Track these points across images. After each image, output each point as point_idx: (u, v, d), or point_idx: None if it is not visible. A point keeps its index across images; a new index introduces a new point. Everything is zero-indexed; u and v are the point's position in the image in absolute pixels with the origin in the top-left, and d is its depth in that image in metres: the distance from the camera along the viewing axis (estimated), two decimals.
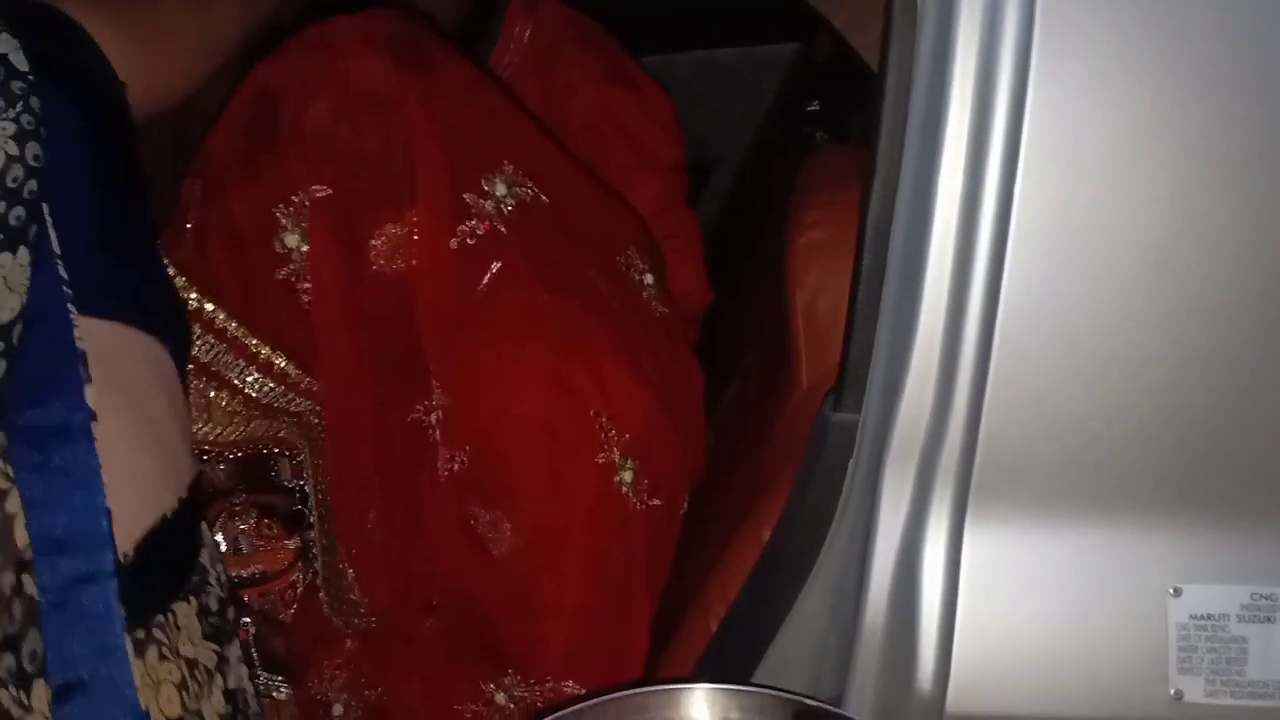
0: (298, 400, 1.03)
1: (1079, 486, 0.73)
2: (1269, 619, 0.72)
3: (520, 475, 1.02)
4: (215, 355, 1.01)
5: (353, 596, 1.06)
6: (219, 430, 1.03)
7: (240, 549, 1.16)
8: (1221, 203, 0.72)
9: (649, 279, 1.15)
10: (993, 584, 0.74)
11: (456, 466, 1.02)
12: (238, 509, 1.17)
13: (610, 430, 1.02)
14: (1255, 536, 0.73)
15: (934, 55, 0.73)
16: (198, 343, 0.98)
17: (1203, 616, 0.72)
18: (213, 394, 1.00)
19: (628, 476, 1.02)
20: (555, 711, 0.79)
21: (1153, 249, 0.72)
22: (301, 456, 1.07)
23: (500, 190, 1.05)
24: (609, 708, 0.79)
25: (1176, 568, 0.73)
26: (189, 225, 1.01)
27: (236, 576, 1.16)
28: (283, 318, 1.00)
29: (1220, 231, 0.72)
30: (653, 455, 1.04)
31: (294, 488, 1.18)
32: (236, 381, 1.01)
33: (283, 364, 1.01)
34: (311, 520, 1.13)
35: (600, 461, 1.02)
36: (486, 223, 1.04)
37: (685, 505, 1.13)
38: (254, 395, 1.01)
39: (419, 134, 0.98)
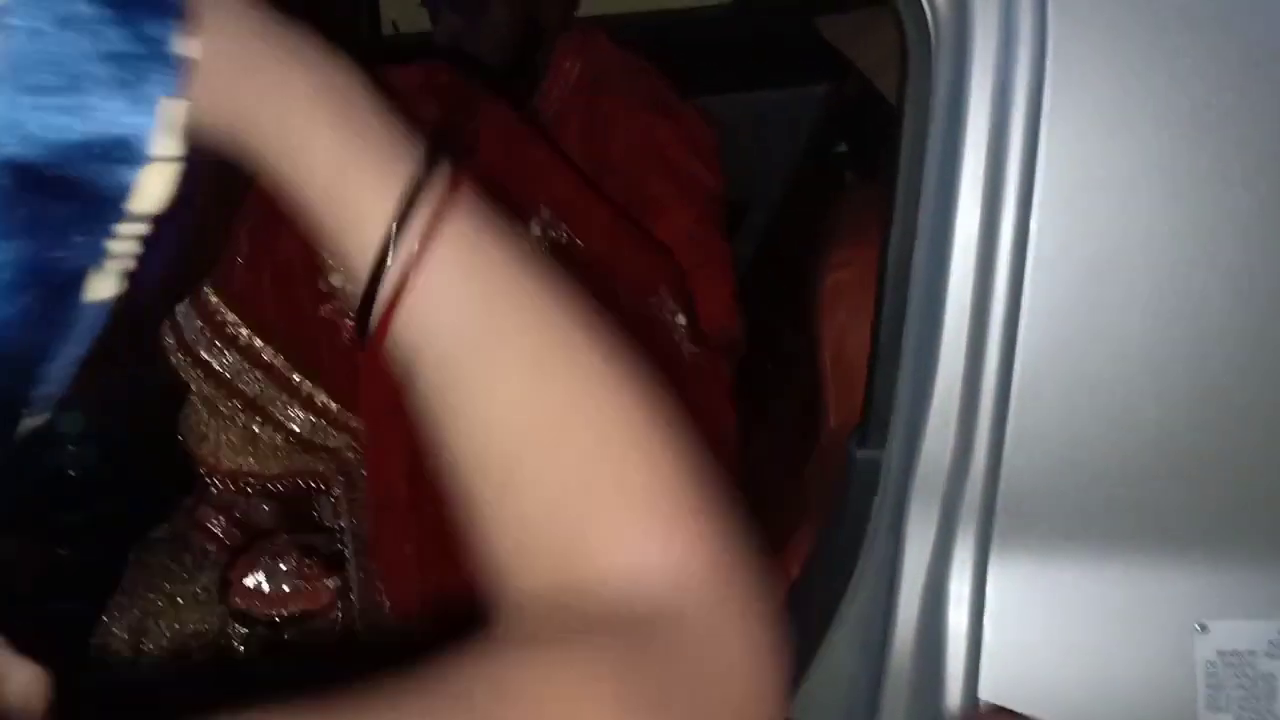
0: (335, 435, 1.07)
1: (1103, 521, 0.75)
2: None
3: None
4: (261, 390, 1.05)
5: (380, 602, 1.09)
6: (262, 465, 1.07)
7: (283, 588, 1.20)
8: (1245, 235, 0.73)
9: (680, 319, 1.18)
10: (1018, 620, 0.75)
11: None
12: (279, 548, 1.21)
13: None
14: None
15: (949, 93, 0.76)
16: (245, 378, 1.03)
17: (1230, 653, 0.73)
18: (257, 429, 1.05)
19: None
20: None
21: (1173, 284, 0.74)
22: (338, 493, 1.11)
23: (535, 233, 1.09)
24: None
25: (1203, 604, 0.74)
26: (240, 260, 1.06)
27: (279, 615, 1.19)
28: (325, 354, 1.05)
29: (1243, 268, 0.74)
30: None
31: (334, 527, 1.22)
32: (280, 416, 1.05)
33: (324, 400, 1.05)
34: (349, 555, 1.17)
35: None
36: None
37: None
38: (296, 430, 1.06)
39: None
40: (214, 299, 1.07)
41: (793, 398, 1.20)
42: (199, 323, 1.07)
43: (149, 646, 1.21)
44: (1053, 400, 0.75)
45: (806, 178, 1.79)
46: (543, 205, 1.12)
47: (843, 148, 1.61)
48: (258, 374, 1.05)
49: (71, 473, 1.31)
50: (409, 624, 1.09)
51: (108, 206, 0.37)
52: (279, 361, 1.05)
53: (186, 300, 1.10)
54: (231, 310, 1.04)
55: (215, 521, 1.27)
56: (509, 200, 1.09)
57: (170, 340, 1.09)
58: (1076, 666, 0.74)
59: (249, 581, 1.21)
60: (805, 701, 0.85)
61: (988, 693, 0.75)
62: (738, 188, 1.75)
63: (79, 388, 0.39)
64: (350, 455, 1.08)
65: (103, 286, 0.38)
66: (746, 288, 1.47)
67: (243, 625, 1.20)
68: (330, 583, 1.20)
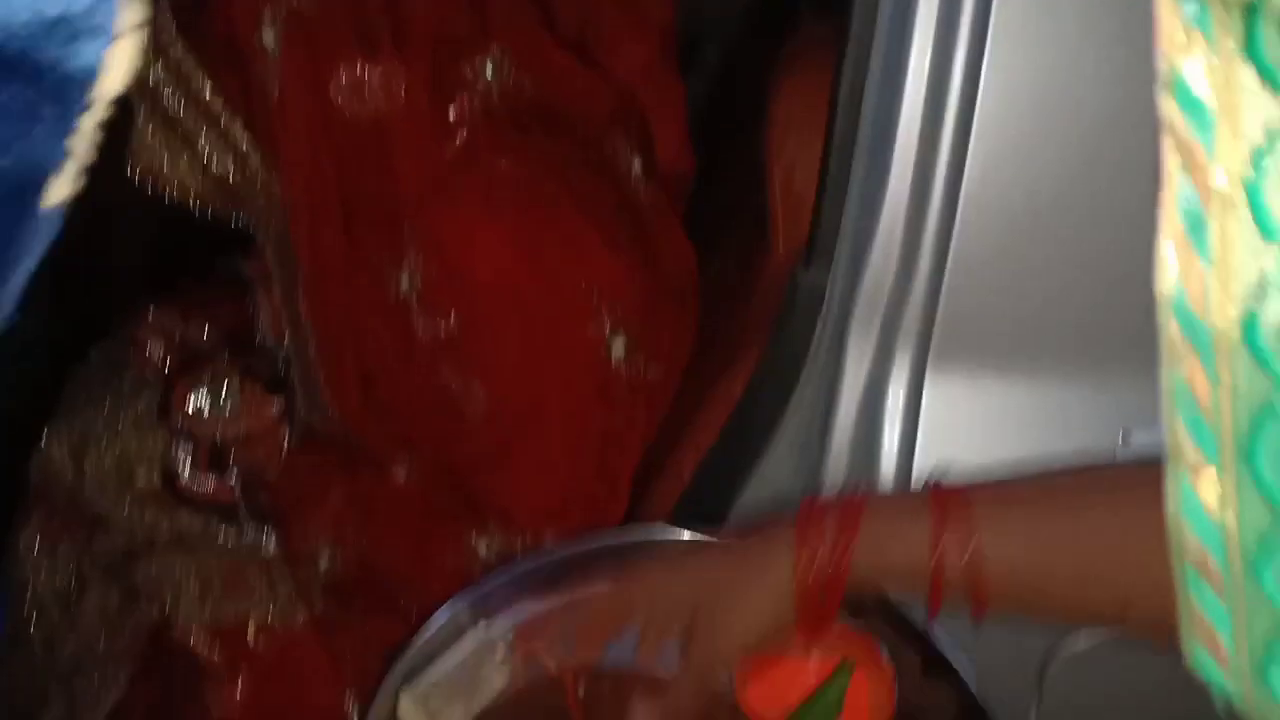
0: (260, 195, 1.07)
1: (1035, 338, 0.80)
2: None
3: (501, 344, 1.07)
4: (181, 108, 1.04)
5: (322, 400, 1.12)
6: (198, 187, 1.07)
7: (224, 409, 1.22)
8: None
9: (636, 163, 1.19)
10: (951, 433, 0.81)
11: (438, 333, 1.07)
12: (220, 370, 1.22)
13: (600, 303, 1.07)
14: None
15: None
16: (166, 91, 1.01)
17: (1153, 460, 0.79)
18: (185, 157, 1.04)
19: (618, 349, 1.07)
20: (535, 556, 0.86)
21: (1122, 116, 0.77)
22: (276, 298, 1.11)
23: (488, 73, 1.08)
24: (589, 553, 0.86)
25: (1126, 414, 0.80)
26: None
27: (220, 436, 1.22)
28: (255, 102, 1.04)
29: None
30: (644, 328, 1.09)
31: (276, 351, 1.23)
32: (201, 149, 1.04)
33: (245, 147, 1.05)
34: (280, 371, 1.19)
35: (589, 334, 1.07)
36: (466, 97, 1.08)
37: (680, 379, 1.19)
38: (215, 172, 1.05)
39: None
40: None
41: (741, 229, 1.23)
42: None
43: (91, 468, 1.23)
44: (995, 224, 0.79)
45: (759, 9, 1.77)
46: (495, 44, 1.11)
47: None
48: (180, 93, 1.04)
49: None
50: (359, 436, 1.12)
51: (72, 93, 0.35)
52: (209, 88, 1.04)
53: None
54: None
55: (154, 342, 1.28)
56: (459, 31, 1.08)
57: None
58: (1006, 476, 0.80)
59: (190, 403, 1.22)
60: (746, 511, 0.91)
61: None
62: (689, 20, 1.72)
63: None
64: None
65: (61, 189, 0.37)
66: (698, 121, 1.48)
67: (185, 446, 1.22)
68: (274, 404, 1.22)
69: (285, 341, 1.18)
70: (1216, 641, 0.40)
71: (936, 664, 0.76)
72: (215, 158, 1.06)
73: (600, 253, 1.09)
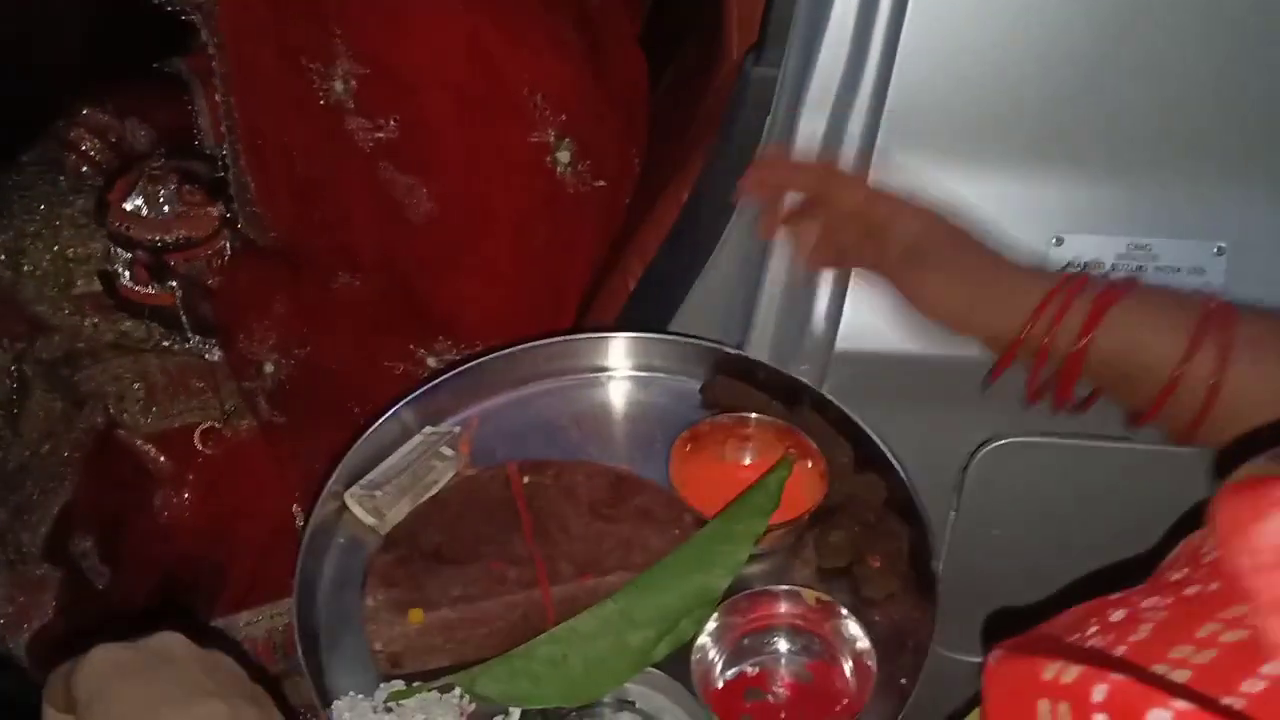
0: None
1: (977, 138, 0.79)
2: (1141, 267, 0.80)
3: (443, 146, 1.05)
4: None
5: (256, 210, 1.11)
6: None
7: (163, 212, 1.20)
8: None
9: None
10: None
11: (384, 136, 1.04)
12: (157, 173, 1.20)
13: (545, 110, 1.05)
14: (1135, 189, 0.80)
15: None
16: None
17: (1081, 264, 0.80)
18: None
19: (564, 157, 1.06)
20: (480, 358, 0.86)
21: None
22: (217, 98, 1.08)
23: None
24: (535, 354, 0.87)
25: (1060, 219, 0.80)
26: None
27: (160, 240, 1.20)
28: None
29: None
30: (592, 137, 1.07)
31: (216, 154, 1.21)
32: None
33: None
34: (220, 175, 1.17)
35: (533, 140, 1.05)
36: None
37: (630, 190, 1.17)
38: None
39: None
40: None
41: (695, 41, 1.20)
42: None
43: (29, 268, 1.21)
44: (945, 18, 0.77)
45: None
46: None
47: None
48: None
49: None
50: (296, 249, 1.11)
51: None
52: None
53: None
54: None
55: (89, 143, 1.25)
56: None
57: None
58: None
59: (128, 205, 1.20)
60: (688, 317, 0.91)
61: (854, 297, 0.81)
62: None
63: None
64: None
65: None
66: None
67: (124, 250, 1.21)
68: (214, 210, 1.20)
69: (224, 147, 1.15)
70: None
71: (867, 458, 0.78)
72: None
73: (548, 56, 1.06)
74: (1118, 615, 0.39)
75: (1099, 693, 0.31)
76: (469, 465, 0.83)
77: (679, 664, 0.69)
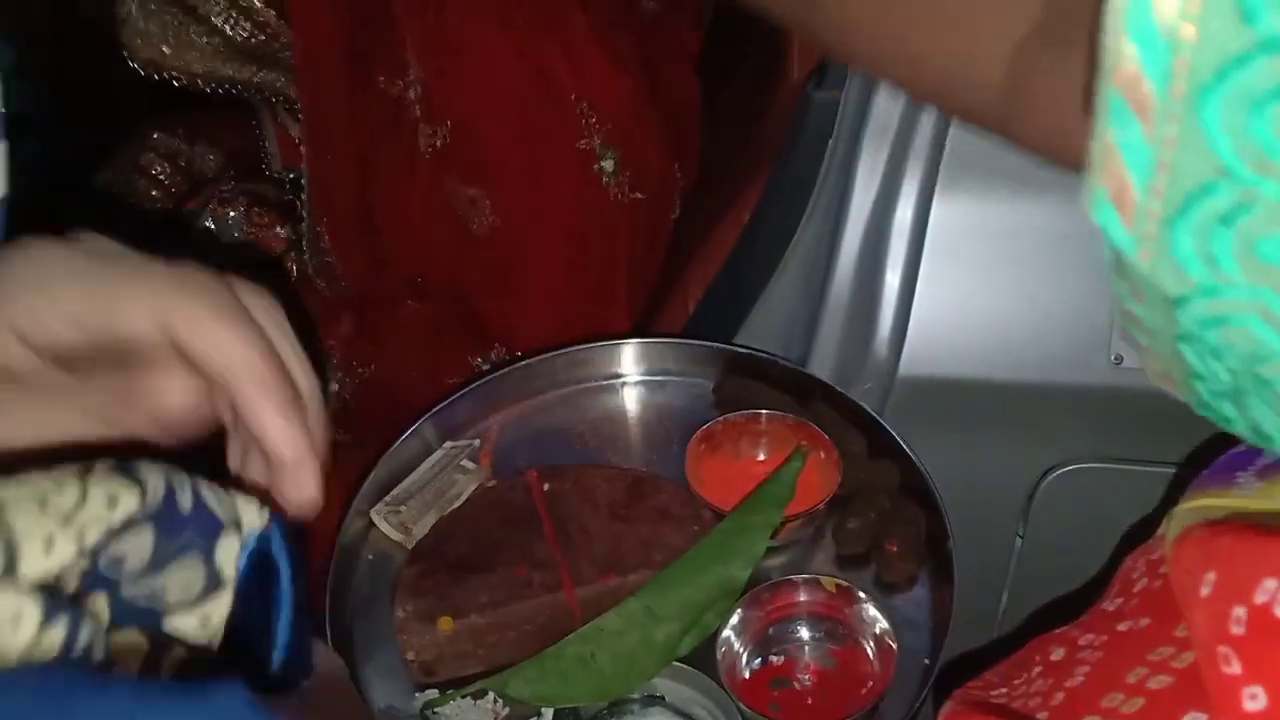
0: (284, 51, 1.07)
1: (1042, 163, 0.80)
2: None
3: (499, 154, 1.08)
4: None
5: (329, 260, 1.14)
6: (206, 65, 1.07)
7: (233, 236, 1.24)
8: None
9: None
10: (955, 253, 0.82)
11: (439, 143, 1.07)
12: (227, 196, 1.24)
13: (591, 117, 1.07)
14: None
15: None
16: None
17: None
18: (192, 31, 1.04)
19: (608, 166, 1.08)
20: (498, 373, 0.89)
21: None
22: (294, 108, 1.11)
23: None
24: (551, 364, 0.89)
25: None
26: None
27: (227, 263, 1.24)
28: None
29: None
30: (635, 148, 1.09)
31: (284, 178, 1.25)
32: (214, 20, 1.04)
33: (260, 5, 1.04)
34: (288, 197, 1.20)
35: (581, 148, 1.08)
36: None
37: (677, 207, 1.19)
38: (231, 36, 1.05)
39: None
40: None
41: (756, 58, 1.21)
42: None
43: None
44: None
45: None
46: None
47: None
48: None
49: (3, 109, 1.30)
50: (346, 260, 1.14)
51: None
52: None
53: None
54: None
55: (159, 168, 1.29)
56: None
57: None
58: (1003, 298, 0.82)
59: (196, 228, 1.24)
60: (746, 338, 0.93)
61: (918, 320, 0.82)
62: None
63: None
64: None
65: None
66: None
67: None
68: (281, 232, 1.23)
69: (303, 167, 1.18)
70: (1126, 188, 0.33)
71: (880, 446, 0.81)
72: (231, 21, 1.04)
73: (598, 66, 1.08)
74: (1058, 654, 0.40)
75: None
76: (490, 477, 0.85)
77: (705, 657, 0.71)
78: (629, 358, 0.91)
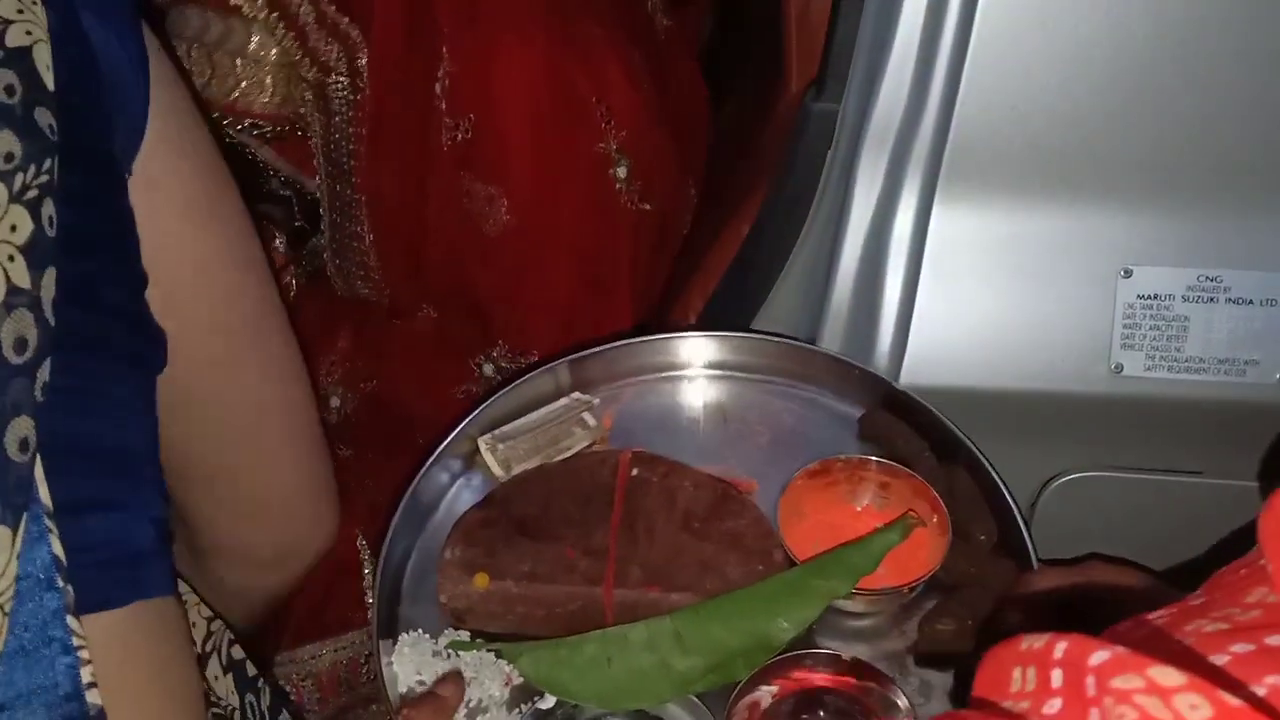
0: (313, 70, 1.06)
1: (1043, 172, 0.81)
2: (1212, 299, 0.81)
3: (518, 150, 1.09)
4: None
5: (368, 261, 1.13)
6: (254, 97, 1.06)
7: None
8: None
9: None
10: (955, 263, 0.83)
11: (460, 136, 1.08)
12: None
13: (609, 120, 1.09)
14: (1206, 221, 0.81)
15: None
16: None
17: (1149, 296, 0.81)
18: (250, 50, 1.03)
19: (621, 173, 1.09)
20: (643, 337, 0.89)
21: None
22: (314, 138, 1.11)
23: None
24: (699, 343, 0.88)
25: (1129, 251, 0.82)
26: None
27: None
28: None
29: None
30: (646, 158, 1.10)
31: (285, 196, 1.25)
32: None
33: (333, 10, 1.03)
34: (299, 223, 1.21)
35: (599, 150, 1.09)
36: None
37: (687, 224, 1.20)
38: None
39: None
40: None
41: (756, 71, 1.23)
42: None
43: None
44: (1005, 56, 0.79)
45: None
46: None
47: None
48: None
49: None
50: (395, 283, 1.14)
51: None
52: None
53: None
54: None
55: None
56: None
57: None
58: (1003, 307, 0.83)
59: None
60: None
61: (919, 330, 0.83)
62: None
63: None
64: (335, 92, 1.07)
65: None
66: None
67: None
68: (280, 245, 1.24)
69: (317, 182, 1.17)
70: None
71: (1009, 545, 0.76)
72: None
73: (615, 73, 1.10)
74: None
75: (1059, 650, 0.34)
76: (605, 440, 0.85)
77: (720, 699, 0.69)
78: (782, 357, 0.88)
